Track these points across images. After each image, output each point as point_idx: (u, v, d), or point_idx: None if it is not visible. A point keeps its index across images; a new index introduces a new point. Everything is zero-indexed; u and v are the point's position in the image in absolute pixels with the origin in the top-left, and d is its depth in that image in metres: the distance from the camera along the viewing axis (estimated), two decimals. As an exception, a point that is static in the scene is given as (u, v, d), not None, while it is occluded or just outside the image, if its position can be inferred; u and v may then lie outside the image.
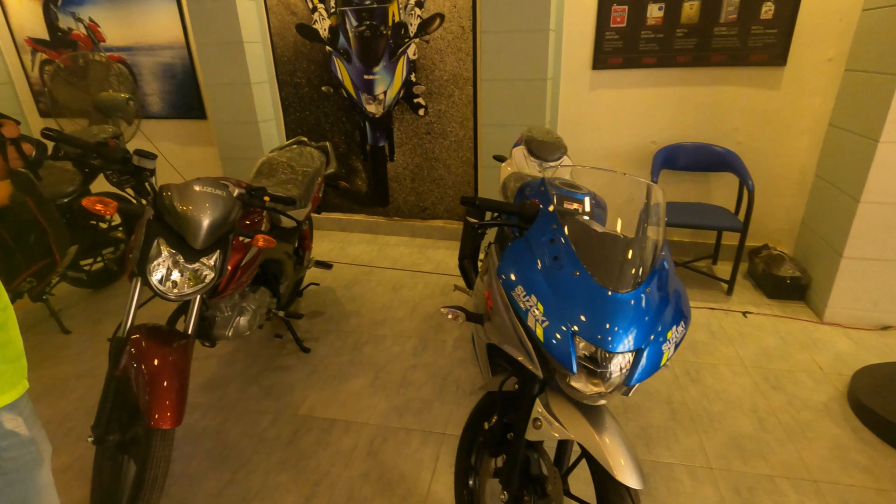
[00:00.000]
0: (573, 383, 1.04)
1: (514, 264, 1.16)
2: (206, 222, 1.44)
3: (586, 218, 1.27)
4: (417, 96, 3.59)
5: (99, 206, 1.36)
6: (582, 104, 3.26)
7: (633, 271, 1.09)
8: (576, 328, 1.02)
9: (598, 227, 1.21)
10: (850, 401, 1.98)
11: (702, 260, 3.32)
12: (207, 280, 1.51)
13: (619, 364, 1.01)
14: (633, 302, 1.04)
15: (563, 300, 1.05)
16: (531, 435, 1.23)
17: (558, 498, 1.27)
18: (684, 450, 1.81)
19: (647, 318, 1.04)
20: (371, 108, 3.73)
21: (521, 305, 1.09)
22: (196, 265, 1.46)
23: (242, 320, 2.03)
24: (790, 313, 2.68)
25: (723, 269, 3.21)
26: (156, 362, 1.45)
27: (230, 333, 1.99)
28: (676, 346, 1.08)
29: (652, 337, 1.03)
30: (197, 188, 1.46)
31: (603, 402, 1.07)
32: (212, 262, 1.50)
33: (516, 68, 3.02)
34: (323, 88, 3.77)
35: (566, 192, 1.37)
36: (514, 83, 3.07)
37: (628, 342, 1.00)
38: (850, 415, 1.94)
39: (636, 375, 1.01)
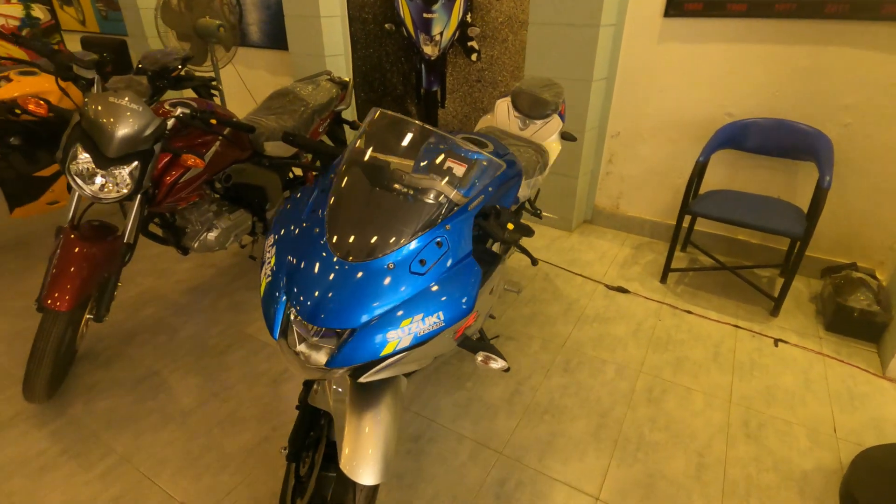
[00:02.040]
0: (284, 351, 0.94)
1: (284, 211, 1.05)
2: (113, 132, 1.55)
3: (402, 174, 1.08)
4: (472, 39, 3.35)
5: (32, 106, 1.53)
6: (647, 60, 2.74)
7: (376, 240, 0.92)
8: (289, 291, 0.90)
9: (397, 184, 1.03)
10: (842, 485, 1.49)
11: (768, 268, 2.68)
12: (124, 190, 1.65)
13: (324, 340, 0.88)
14: (360, 274, 0.88)
15: (292, 258, 0.93)
16: (312, 401, 1.16)
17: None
18: (581, 472, 1.55)
19: (373, 296, 0.87)
20: (427, 50, 3.59)
21: (265, 256, 0.99)
22: (106, 171, 1.60)
23: (210, 235, 2.20)
24: (843, 354, 2.06)
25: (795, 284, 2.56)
26: (76, 250, 1.65)
27: (196, 245, 2.17)
28: (421, 340, 0.90)
29: (373, 320, 0.87)
30: (112, 100, 1.57)
31: (320, 376, 0.95)
32: (125, 171, 1.62)
33: (567, 11, 2.62)
34: (386, 26, 3.71)
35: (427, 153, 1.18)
36: (564, 29, 2.68)
37: (337, 319, 0.86)
38: (833, 500, 1.47)
39: (337, 358, 0.87)
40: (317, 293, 0.87)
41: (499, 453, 1.62)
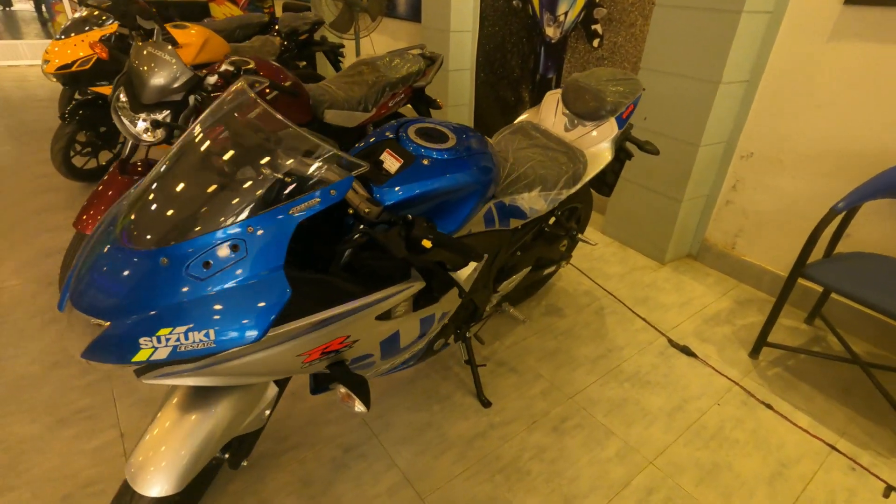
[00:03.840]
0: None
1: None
2: (147, 80, 1.65)
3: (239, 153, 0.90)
4: (596, 21, 2.90)
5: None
6: (808, 61, 2.04)
7: (158, 228, 0.77)
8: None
9: (224, 165, 0.85)
10: None
11: (932, 379, 1.86)
12: (159, 135, 1.77)
13: (83, 325, 0.77)
14: (128, 264, 0.75)
15: (98, 232, 0.84)
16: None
17: None
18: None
19: (135, 292, 0.74)
20: (549, 31, 3.23)
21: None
22: (142, 115, 1.72)
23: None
24: None
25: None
26: (115, 182, 1.84)
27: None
28: (183, 357, 0.75)
29: (130, 319, 0.74)
30: (150, 51, 1.67)
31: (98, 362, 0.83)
32: (158, 117, 1.73)
33: (702, -10, 2.08)
34: (513, 2, 3.43)
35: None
36: (699, 14, 2.14)
37: (93, 306, 0.75)
38: None
39: (87, 350, 0.76)
40: (87, 274, 0.77)
41: (421, 499, 1.39)
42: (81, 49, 2.78)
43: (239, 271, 0.76)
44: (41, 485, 1.36)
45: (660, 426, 1.64)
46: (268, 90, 1.91)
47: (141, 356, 0.74)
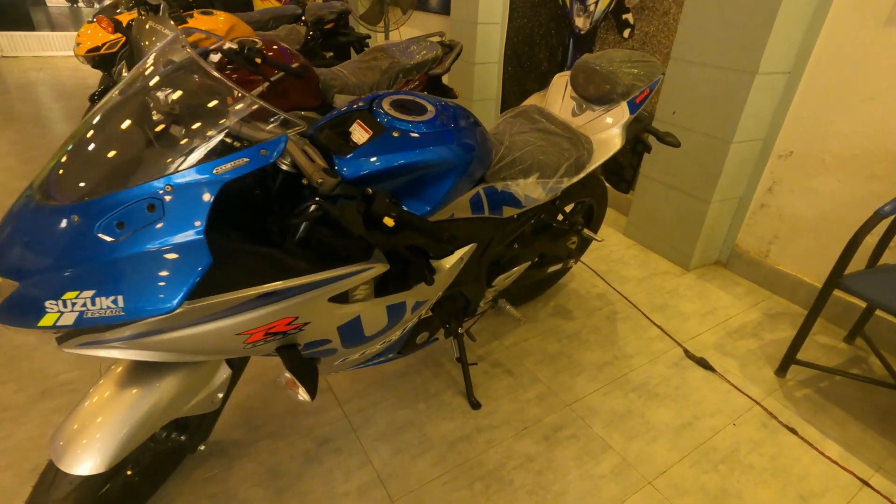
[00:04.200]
0: None
1: None
2: (143, 53, 1.63)
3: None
4: (628, 11, 2.73)
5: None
6: (859, 49, 1.83)
7: (72, 183, 0.71)
8: None
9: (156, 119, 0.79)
10: None
11: None
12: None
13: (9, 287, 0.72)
14: (39, 219, 0.70)
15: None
16: None
17: None
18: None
19: (43, 250, 0.68)
20: (578, 22, 3.08)
21: None
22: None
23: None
24: None
25: None
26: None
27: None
28: (90, 323, 0.68)
29: (38, 280, 0.68)
30: (149, 25, 1.65)
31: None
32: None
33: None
34: (543, -8, 3.30)
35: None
36: (736, -2, 1.96)
37: (3, 266, 0.70)
38: None
39: None
40: (1, 231, 0.72)
41: (391, 501, 1.30)
42: (110, 33, 2.85)
43: (154, 234, 0.69)
44: (15, 454, 1.36)
45: (664, 443, 1.49)
46: (218, 52, 1.81)
47: (46, 321, 0.68)
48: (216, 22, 3.26)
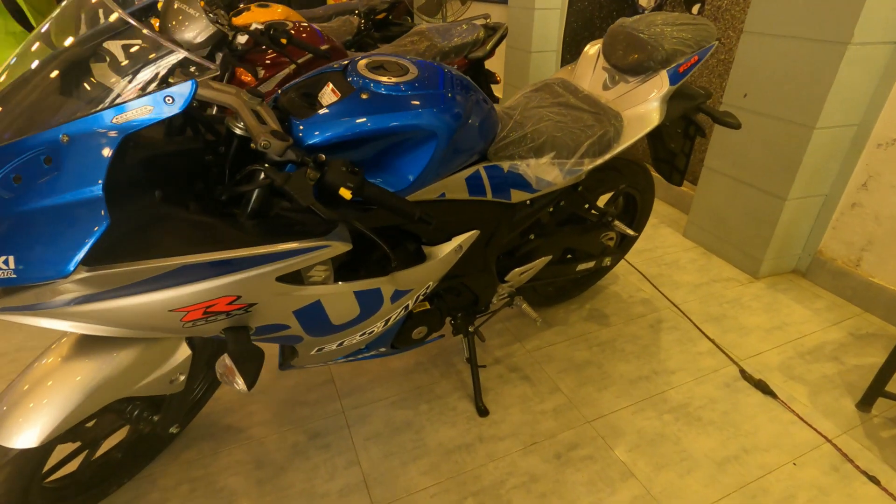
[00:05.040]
0: None
1: None
2: (172, 34, 1.65)
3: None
4: (698, -16, 2.43)
5: None
6: None
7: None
8: None
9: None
10: None
11: None
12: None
13: None
14: None
15: None
16: None
17: None
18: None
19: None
20: (643, 1, 2.80)
21: None
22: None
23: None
24: None
25: None
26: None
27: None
28: None
29: None
30: (176, 6, 1.66)
31: None
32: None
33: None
34: (606, -29, 3.05)
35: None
36: (827, -45, 1.65)
37: None
38: None
39: None
40: None
41: (372, 508, 1.19)
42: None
43: (48, 189, 0.62)
44: None
45: (700, 477, 1.25)
46: (300, 53, 1.81)
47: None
48: (274, 13, 3.34)
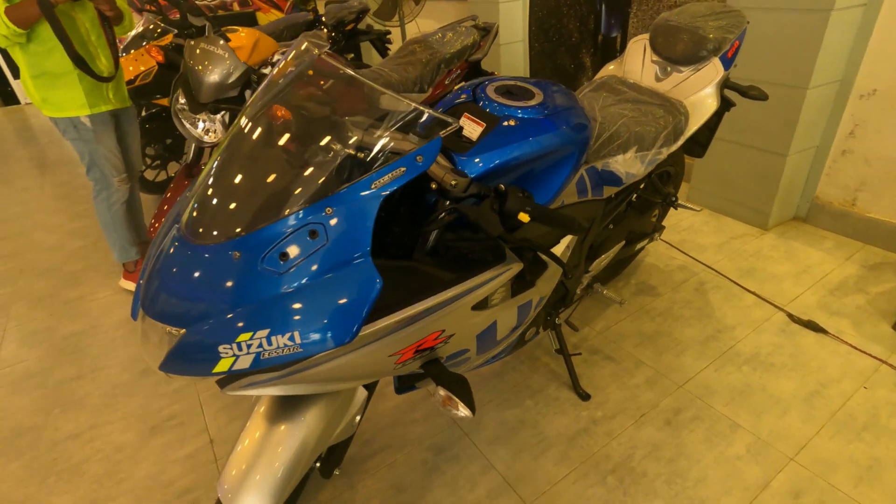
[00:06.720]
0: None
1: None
2: (202, 78, 1.60)
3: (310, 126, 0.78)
4: (667, -35, 2.59)
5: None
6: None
7: (228, 217, 0.66)
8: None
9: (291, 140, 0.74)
10: None
11: None
12: (220, 135, 1.72)
13: (159, 334, 0.69)
14: (199, 261, 0.65)
15: (163, 234, 0.75)
16: None
17: None
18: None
19: (208, 293, 0.64)
20: (611, -15, 2.94)
21: None
22: (201, 116, 1.68)
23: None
24: None
25: None
26: (184, 186, 1.82)
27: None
28: (266, 365, 0.64)
29: (207, 325, 0.64)
30: (203, 46, 1.61)
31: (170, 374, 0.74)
32: (216, 116, 1.68)
33: None
34: (567, -40, 3.17)
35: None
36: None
37: (165, 313, 0.66)
38: None
39: (164, 362, 0.67)
40: (156, 278, 0.68)
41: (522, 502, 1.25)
42: (142, 63, 2.84)
43: (320, 261, 0.64)
44: (139, 494, 1.35)
45: (796, 415, 1.41)
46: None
47: (222, 366, 0.64)
48: (241, 38, 3.22)
